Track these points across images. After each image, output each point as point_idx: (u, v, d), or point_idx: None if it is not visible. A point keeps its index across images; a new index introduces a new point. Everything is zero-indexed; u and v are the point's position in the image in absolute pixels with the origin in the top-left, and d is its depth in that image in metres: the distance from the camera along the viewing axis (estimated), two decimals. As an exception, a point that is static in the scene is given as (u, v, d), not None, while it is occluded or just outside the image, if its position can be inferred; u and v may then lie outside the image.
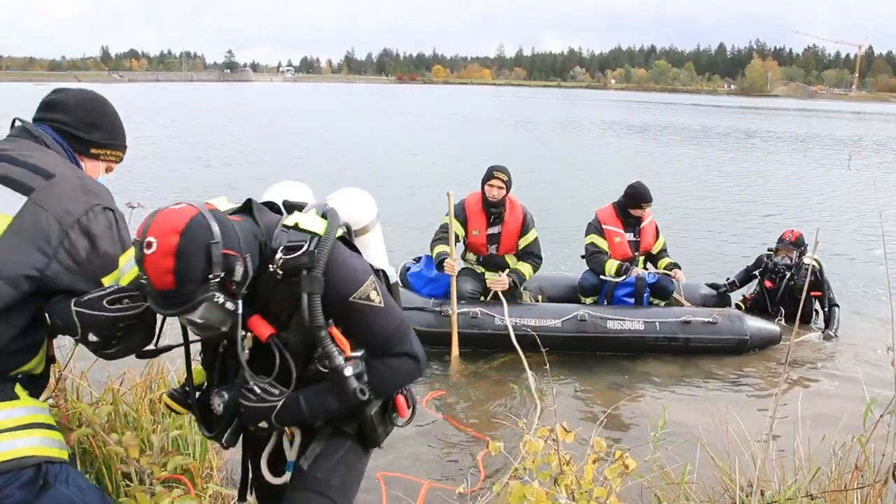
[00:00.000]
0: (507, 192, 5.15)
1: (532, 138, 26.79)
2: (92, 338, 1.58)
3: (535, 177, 13.78)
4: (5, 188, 1.57)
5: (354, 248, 1.78)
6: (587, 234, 5.61)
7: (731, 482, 2.55)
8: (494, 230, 5.23)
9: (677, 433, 3.53)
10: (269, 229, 1.65)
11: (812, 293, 5.64)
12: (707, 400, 4.41)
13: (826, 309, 5.68)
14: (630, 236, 5.58)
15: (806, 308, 5.54)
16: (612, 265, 5.40)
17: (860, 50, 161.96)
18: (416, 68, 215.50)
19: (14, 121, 1.81)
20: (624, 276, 5.37)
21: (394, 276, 2.02)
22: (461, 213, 5.15)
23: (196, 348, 1.85)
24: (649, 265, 5.78)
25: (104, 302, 1.56)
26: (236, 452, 3.04)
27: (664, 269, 5.57)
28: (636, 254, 5.61)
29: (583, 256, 5.67)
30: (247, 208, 1.72)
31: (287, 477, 1.81)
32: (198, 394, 1.86)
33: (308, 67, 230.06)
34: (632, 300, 5.38)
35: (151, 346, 1.77)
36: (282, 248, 1.60)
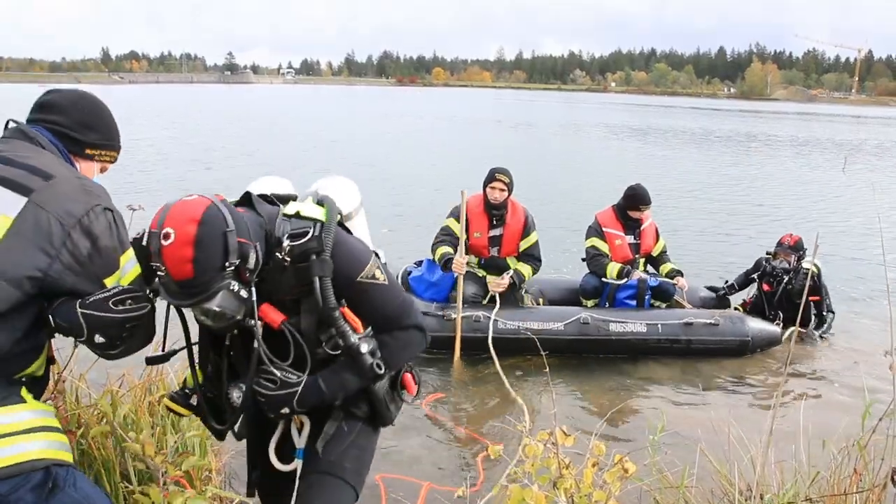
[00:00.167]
0: (509, 194, 5.15)
1: (532, 141, 26.83)
2: (98, 339, 1.58)
3: (535, 179, 13.78)
4: (5, 189, 1.56)
5: (349, 233, 1.84)
6: (587, 236, 5.61)
7: (731, 486, 2.55)
8: (496, 232, 5.23)
9: (677, 437, 3.53)
10: (271, 219, 1.69)
11: (810, 298, 5.64)
12: (706, 404, 4.41)
13: (823, 314, 5.68)
14: (630, 239, 5.59)
15: (804, 312, 5.54)
16: (613, 268, 5.41)
17: (860, 54, 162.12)
18: (417, 71, 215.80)
19: (8, 122, 1.80)
20: (625, 279, 5.37)
21: (384, 257, 2.06)
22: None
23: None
24: (650, 268, 5.79)
25: (110, 303, 1.56)
26: (236, 455, 3.06)
27: (666, 275, 5.58)
28: (636, 256, 5.61)
29: (583, 259, 5.68)
30: (246, 201, 1.74)
31: (295, 464, 1.84)
32: (204, 390, 1.88)
33: (308, 69, 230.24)
34: (633, 303, 5.38)
35: (159, 352, 1.78)
36: (287, 235, 1.64)
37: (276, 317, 1.67)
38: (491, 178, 5.13)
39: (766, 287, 5.81)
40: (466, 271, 5.22)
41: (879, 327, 5.75)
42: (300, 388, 1.70)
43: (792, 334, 5.42)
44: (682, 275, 5.59)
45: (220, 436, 2.03)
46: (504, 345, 4.78)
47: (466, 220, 5.15)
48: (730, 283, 6.05)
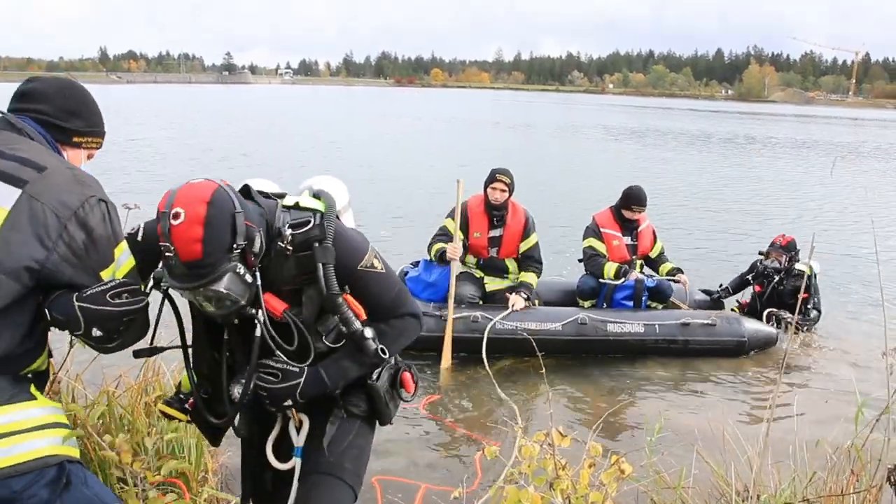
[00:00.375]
0: (510, 194, 5.14)
1: (530, 142, 26.83)
2: (96, 332, 1.56)
3: (533, 181, 13.77)
4: None
5: None
6: (585, 237, 5.62)
7: (728, 486, 2.56)
8: (496, 233, 5.22)
9: (674, 437, 3.53)
10: (271, 210, 1.71)
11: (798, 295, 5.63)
12: (703, 404, 4.42)
13: (808, 307, 5.66)
14: (628, 240, 5.59)
15: (791, 310, 5.55)
16: (610, 268, 5.41)
17: (857, 56, 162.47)
18: (415, 71, 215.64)
19: None
20: (623, 279, 5.38)
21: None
22: (463, 215, 5.12)
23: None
24: (647, 269, 5.79)
25: (107, 296, 1.55)
26: (233, 456, 3.05)
27: (667, 274, 5.58)
28: (633, 257, 5.61)
29: (580, 260, 5.68)
30: (245, 193, 1.74)
31: (292, 463, 1.84)
32: (201, 389, 1.87)
33: (306, 70, 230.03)
34: (630, 303, 5.39)
35: (147, 346, 1.77)
36: (288, 225, 1.66)
37: (278, 305, 1.68)
38: (492, 178, 5.12)
39: (757, 287, 5.83)
40: (464, 272, 5.21)
41: (874, 327, 5.76)
42: (303, 379, 1.71)
43: (771, 315, 5.47)
44: (682, 272, 5.59)
45: (215, 441, 2.03)
46: (501, 345, 4.79)
47: (466, 220, 5.14)
48: (724, 286, 6.06)
